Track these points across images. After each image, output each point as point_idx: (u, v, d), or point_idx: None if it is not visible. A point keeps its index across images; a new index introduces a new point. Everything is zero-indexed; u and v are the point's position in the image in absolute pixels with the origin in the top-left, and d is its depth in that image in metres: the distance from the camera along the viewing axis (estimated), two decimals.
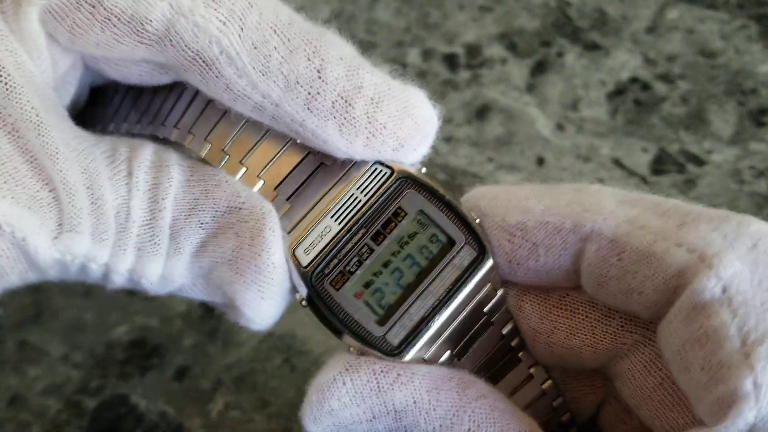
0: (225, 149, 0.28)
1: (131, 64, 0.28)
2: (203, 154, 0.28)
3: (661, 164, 0.45)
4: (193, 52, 0.26)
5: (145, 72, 0.28)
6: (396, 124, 0.27)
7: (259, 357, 0.39)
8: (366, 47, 0.29)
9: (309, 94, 0.26)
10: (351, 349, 0.27)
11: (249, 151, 0.28)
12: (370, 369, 0.26)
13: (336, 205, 0.27)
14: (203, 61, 0.26)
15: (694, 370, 0.23)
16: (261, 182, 0.28)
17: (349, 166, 0.28)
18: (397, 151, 0.27)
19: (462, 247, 0.27)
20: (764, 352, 0.22)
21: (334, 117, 0.26)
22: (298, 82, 0.26)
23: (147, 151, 0.27)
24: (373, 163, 0.28)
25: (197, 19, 0.25)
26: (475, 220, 0.28)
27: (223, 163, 0.28)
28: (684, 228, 0.25)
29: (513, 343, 0.28)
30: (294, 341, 0.39)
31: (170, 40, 0.25)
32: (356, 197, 0.27)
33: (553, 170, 0.45)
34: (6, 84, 0.24)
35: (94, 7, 0.25)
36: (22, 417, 0.37)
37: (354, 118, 0.26)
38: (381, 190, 0.28)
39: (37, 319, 0.40)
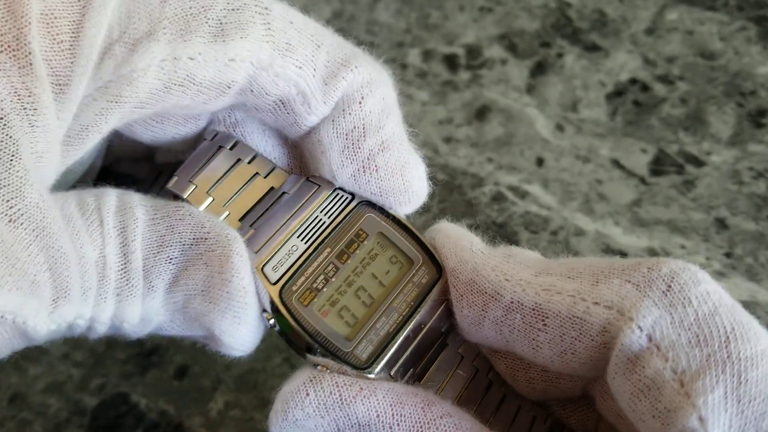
0: (192, 180, 0.29)
1: (171, 123, 0.29)
2: (169, 185, 0.29)
3: (660, 165, 0.45)
4: (273, 96, 0.27)
5: (180, 134, 0.29)
6: (387, 174, 0.29)
7: (258, 356, 0.39)
8: (366, 48, 0.30)
9: (343, 111, 0.28)
10: (318, 367, 0.27)
11: (215, 183, 0.29)
12: (333, 381, 0.26)
13: (302, 226, 0.28)
14: (281, 101, 0.28)
15: (647, 419, 0.24)
16: (226, 212, 0.29)
17: (311, 192, 0.29)
18: (375, 197, 0.29)
19: (420, 266, 0.29)
20: (701, 387, 0.23)
21: (347, 137, 0.28)
22: (342, 101, 0.28)
23: (111, 197, 0.27)
24: (335, 189, 0.29)
25: (277, 69, 0.27)
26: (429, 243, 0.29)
27: (189, 192, 0.29)
28: (598, 285, 0.25)
29: (489, 377, 0.29)
30: None
31: (251, 90, 0.27)
32: (320, 219, 0.29)
33: (552, 171, 0.45)
34: (20, 178, 0.24)
35: (184, 86, 0.26)
36: (23, 415, 0.37)
37: (359, 148, 0.28)
38: (343, 213, 0.29)
39: None
